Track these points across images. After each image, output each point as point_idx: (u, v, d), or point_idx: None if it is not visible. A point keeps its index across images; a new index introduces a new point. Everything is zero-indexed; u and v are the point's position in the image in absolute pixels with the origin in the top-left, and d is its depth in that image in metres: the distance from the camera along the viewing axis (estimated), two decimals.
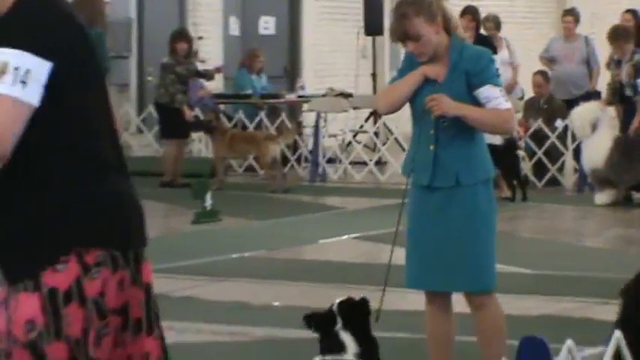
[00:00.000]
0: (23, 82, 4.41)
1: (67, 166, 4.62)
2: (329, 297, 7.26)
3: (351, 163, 21.47)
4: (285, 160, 20.58)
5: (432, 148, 7.23)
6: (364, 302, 6.94)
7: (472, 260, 7.34)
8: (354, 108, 23.12)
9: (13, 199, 4.61)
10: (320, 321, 6.95)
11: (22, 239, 4.59)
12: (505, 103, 7.34)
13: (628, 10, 21.07)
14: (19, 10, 4.59)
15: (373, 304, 7.02)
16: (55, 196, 4.60)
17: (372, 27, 24.66)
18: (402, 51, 23.11)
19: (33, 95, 4.43)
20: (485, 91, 7.21)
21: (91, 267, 4.57)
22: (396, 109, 7.54)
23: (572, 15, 21.52)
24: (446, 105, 7.06)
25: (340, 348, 6.83)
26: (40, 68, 4.45)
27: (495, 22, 20.85)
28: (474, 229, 7.30)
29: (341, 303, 6.92)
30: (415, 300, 8.09)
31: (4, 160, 4.43)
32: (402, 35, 7.30)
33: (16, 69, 4.42)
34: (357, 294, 7.03)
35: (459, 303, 7.56)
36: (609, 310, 8.42)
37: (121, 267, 4.63)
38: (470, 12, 19.07)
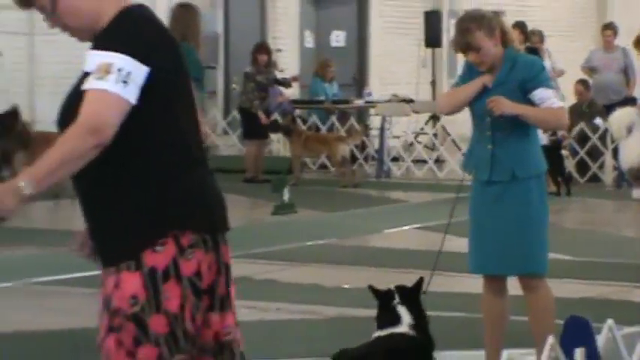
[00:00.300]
0: (124, 82, 4.48)
1: (161, 159, 4.67)
2: (393, 281, 7.26)
3: (412, 161, 21.40)
4: (353, 159, 20.50)
5: (489, 147, 7.29)
6: (419, 281, 7.00)
7: (526, 247, 7.37)
8: (415, 112, 23.01)
9: (116, 188, 4.65)
10: (381, 293, 7.02)
11: (124, 224, 4.64)
12: (557, 102, 7.45)
13: None
14: (119, 22, 4.67)
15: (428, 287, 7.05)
16: (152, 186, 4.65)
17: (432, 40, 24.63)
18: (458, 61, 23.20)
19: (131, 94, 4.50)
20: (539, 93, 7.26)
21: (186, 249, 4.62)
22: (456, 110, 7.62)
23: (611, 29, 21.44)
24: (504, 105, 7.11)
25: (396, 321, 6.87)
26: (138, 71, 4.52)
27: (540, 36, 20.84)
28: (527, 218, 7.33)
29: (398, 285, 6.98)
30: (470, 283, 8.08)
31: (102, 147, 4.47)
32: (464, 46, 7.35)
33: (119, 70, 4.49)
34: (416, 278, 7.03)
35: (512, 286, 7.57)
36: None
37: (211, 249, 4.70)
38: (519, 26, 19.16)
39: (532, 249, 7.43)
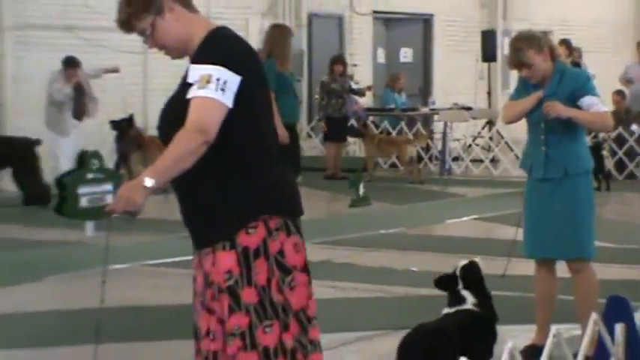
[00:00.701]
0: (222, 90, 4.59)
1: (250, 155, 4.78)
2: (453, 265, 7.28)
3: (471, 160, 21.25)
4: (419, 159, 20.42)
5: (543, 149, 7.31)
6: (474, 265, 7.00)
7: (574, 234, 7.36)
8: (473, 118, 22.94)
9: (213, 180, 4.73)
10: (446, 282, 7.01)
11: (220, 211, 4.72)
12: (603, 107, 7.48)
13: None
14: (212, 40, 4.78)
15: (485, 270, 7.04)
16: (244, 178, 4.75)
17: (488, 55, 24.46)
18: (511, 74, 23.04)
19: (228, 99, 4.61)
20: (587, 100, 7.27)
21: (273, 231, 4.72)
22: (517, 120, 7.64)
23: None
24: (559, 109, 7.14)
25: (462, 301, 6.88)
26: (232, 80, 4.63)
27: (579, 52, 20.83)
28: (577, 210, 7.33)
29: (463, 267, 6.97)
30: (523, 267, 8.06)
31: (209, 144, 4.58)
32: (517, 64, 7.37)
33: (217, 80, 4.59)
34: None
35: (560, 269, 7.55)
36: None
37: (291, 232, 4.80)
38: (565, 43, 19.14)
39: (580, 237, 7.40)
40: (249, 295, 4.67)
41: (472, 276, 6.92)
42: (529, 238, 7.58)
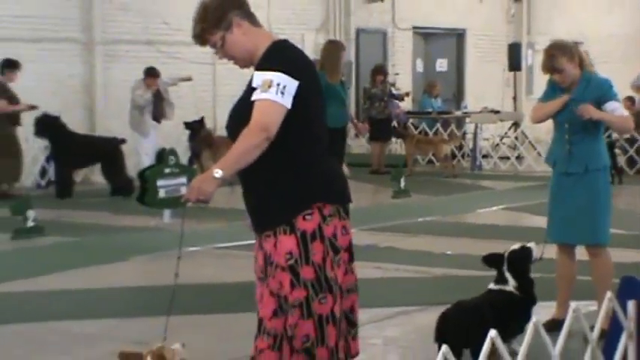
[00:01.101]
0: (282, 93, 4.62)
1: (305, 150, 4.80)
2: (484, 249, 7.24)
3: (498, 157, 21.14)
4: (453, 156, 20.37)
5: (567, 147, 7.28)
6: (526, 251, 6.94)
7: (593, 223, 7.32)
8: (501, 120, 22.80)
9: (274, 172, 4.75)
10: (492, 261, 6.97)
11: (281, 199, 4.75)
12: (624, 111, 7.52)
13: None
14: (274, 50, 4.82)
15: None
16: (300, 170, 4.78)
17: (514, 65, 24.33)
18: (534, 82, 22.98)
19: (287, 101, 4.64)
20: (610, 105, 7.25)
21: (327, 217, 4.75)
22: (544, 121, 7.59)
23: None
24: (592, 112, 7.13)
25: (505, 282, 6.83)
26: (291, 85, 4.66)
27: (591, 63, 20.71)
28: (595, 201, 7.30)
29: (512, 250, 6.92)
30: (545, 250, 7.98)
31: (270, 141, 4.61)
32: (550, 69, 7.34)
33: (278, 84, 4.62)
34: (502, 247, 6.97)
35: (579, 253, 7.50)
36: None
37: (342, 217, 4.84)
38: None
39: (598, 225, 7.35)
40: (307, 273, 4.70)
41: (518, 260, 6.86)
42: (553, 225, 7.53)
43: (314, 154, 4.85)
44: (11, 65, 15.71)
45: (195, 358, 5.37)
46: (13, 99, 15.56)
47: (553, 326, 6.47)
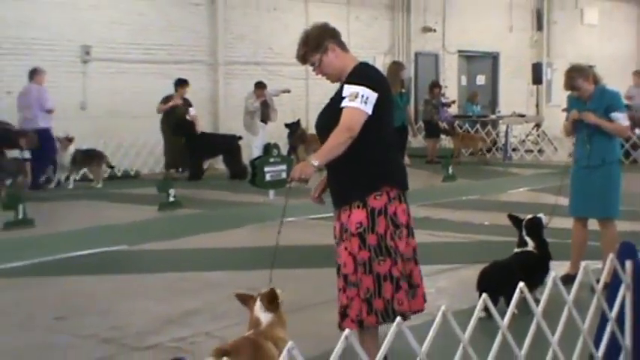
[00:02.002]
0: (365, 102, 4.60)
1: (378, 145, 4.76)
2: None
3: (525, 151, 20.90)
4: (489, 149, 20.22)
5: (587, 147, 7.23)
6: (538, 219, 6.87)
7: (606, 201, 7.26)
8: (526, 122, 22.54)
9: (354, 162, 4.70)
10: (513, 220, 6.99)
11: (358, 182, 4.72)
12: (625, 121, 7.31)
13: None
14: (359, 70, 4.79)
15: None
16: (374, 161, 4.74)
17: (536, 80, 24.12)
18: (552, 93, 22.51)
19: (369, 109, 4.61)
20: (615, 115, 7.16)
21: (392, 199, 4.71)
22: (572, 134, 7.54)
23: (637, 74, 20.53)
24: (591, 117, 7.08)
25: (525, 244, 6.77)
26: (372, 96, 4.63)
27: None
28: (608, 185, 7.25)
29: (529, 219, 6.87)
30: (562, 222, 7.86)
31: (353, 139, 4.59)
32: (570, 87, 7.30)
33: (362, 96, 4.60)
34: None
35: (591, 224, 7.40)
36: None
37: (402, 201, 4.78)
38: None
39: (611, 202, 7.30)
40: (371, 239, 4.67)
41: (533, 226, 6.87)
42: (574, 203, 7.48)
43: (383, 150, 4.80)
44: (183, 83, 16.08)
45: (294, 301, 5.41)
46: (188, 105, 16.13)
47: (567, 280, 6.36)
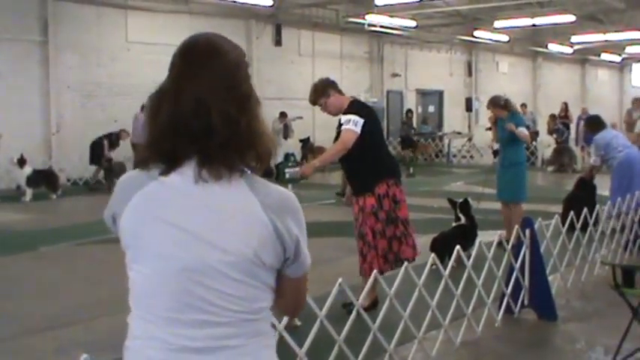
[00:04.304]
0: (355, 124, 4.65)
1: (374, 151, 4.78)
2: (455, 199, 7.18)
3: (461, 157, 20.75)
4: (437, 155, 20.03)
5: (503, 151, 7.29)
6: (467, 202, 6.88)
7: (515, 187, 7.19)
8: (462, 137, 22.37)
9: (359, 164, 4.76)
10: (451, 202, 6.95)
11: (366, 179, 4.77)
12: (526, 132, 7.13)
13: None
14: (351, 105, 4.84)
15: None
16: (374, 162, 4.76)
17: (468, 108, 23.94)
18: (479, 117, 22.05)
19: (358, 130, 4.65)
20: (521, 128, 7.05)
21: (391, 185, 4.77)
22: (497, 140, 7.45)
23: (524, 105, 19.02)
24: (512, 127, 6.96)
25: (459, 219, 6.80)
26: (360, 121, 4.68)
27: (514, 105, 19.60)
28: (516, 178, 7.20)
29: (461, 202, 6.87)
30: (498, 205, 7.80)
31: (346, 150, 4.59)
32: (492, 111, 7.31)
33: (353, 121, 4.66)
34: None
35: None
36: None
37: (399, 185, 4.84)
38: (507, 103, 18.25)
39: (520, 189, 7.19)
40: (382, 215, 4.76)
41: (465, 207, 6.87)
42: (499, 192, 7.35)
43: (380, 153, 4.85)
44: None
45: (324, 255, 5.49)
46: None
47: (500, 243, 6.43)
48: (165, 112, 1.31)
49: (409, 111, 20.38)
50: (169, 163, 1.30)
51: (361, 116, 4.79)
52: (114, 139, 13.41)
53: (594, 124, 8.15)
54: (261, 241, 1.29)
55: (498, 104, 7.27)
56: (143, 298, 1.30)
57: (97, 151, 13.27)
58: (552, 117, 18.42)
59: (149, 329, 1.28)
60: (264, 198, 1.31)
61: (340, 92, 5.03)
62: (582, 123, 17.75)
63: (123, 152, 13.52)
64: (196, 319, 1.26)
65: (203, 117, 1.29)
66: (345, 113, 4.86)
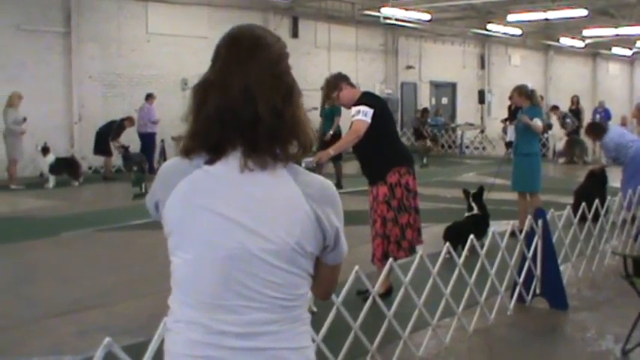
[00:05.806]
0: (366, 115, 4.65)
1: (387, 140, 4.78)
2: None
3: (474, 148, 20.59)
4: (450, 147, 19.88)
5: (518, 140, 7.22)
6: (480, 192, 6.83)
7: (529, 178, 7.10)
8: (475, 129, 22.10)
9: (372, 153, 4.74)
10: (465, 192, 6.89)
11: (379, 166, 4.76)
12: (540, 125, 7.01)
13: None
14: (362, 96, 4.82)
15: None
16: (387, 150, 4.75)
17: (481, 101, 23.76)
18: (492, 109, 21.87)
19: (368, 119, 4.65)
20: (536, 120, 6.95)
21: (404, 173, 4.75)
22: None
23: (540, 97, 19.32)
24: (525, 119, 6.92)
25: (472, 209, 6.76)
26: (370, 111, 4.68)
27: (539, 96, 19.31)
28: (533, 169, 7.13)
29: (474, 192, 6.82)
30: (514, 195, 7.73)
31: (359, 139, 4.58)
32: (513, 101, 7.40)
33: (363, 111, 4.66)
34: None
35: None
36: None
37: (411, 174, 4.82)
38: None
39: (534, 179, 7.11)
40: (394, 203, 4.76)
41: (476, 196, 6.82)
42: (515, 182, 7.26)
43: (392, 142, 4.84)
44: None
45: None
46: None
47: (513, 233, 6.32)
48: (212, 103, 1.30)
49: (425, 110, 19.88)
50: (215, 152, 1.30)
51: (370, 106, 4.78)
52: (116, 127, 13.23)
53: (595, 132, 8.10)
54: (303, 230, 1.29)
55: (525, 93, 7.18)
56: (185, 284, 1.30)
57: (101, 141, 13.14)
58: (553, 108, 18.06)
59: (190, 314, 1.29)
60: (306, 188, 1.32)
61: (352, 85, 5.05)
62: (598, 116, 17.64)
63: (125, 142, 13.25)
64: (237, 305, 1.27)
65: (250, 107, 1.29)
66: (356, 104, 4.86)
